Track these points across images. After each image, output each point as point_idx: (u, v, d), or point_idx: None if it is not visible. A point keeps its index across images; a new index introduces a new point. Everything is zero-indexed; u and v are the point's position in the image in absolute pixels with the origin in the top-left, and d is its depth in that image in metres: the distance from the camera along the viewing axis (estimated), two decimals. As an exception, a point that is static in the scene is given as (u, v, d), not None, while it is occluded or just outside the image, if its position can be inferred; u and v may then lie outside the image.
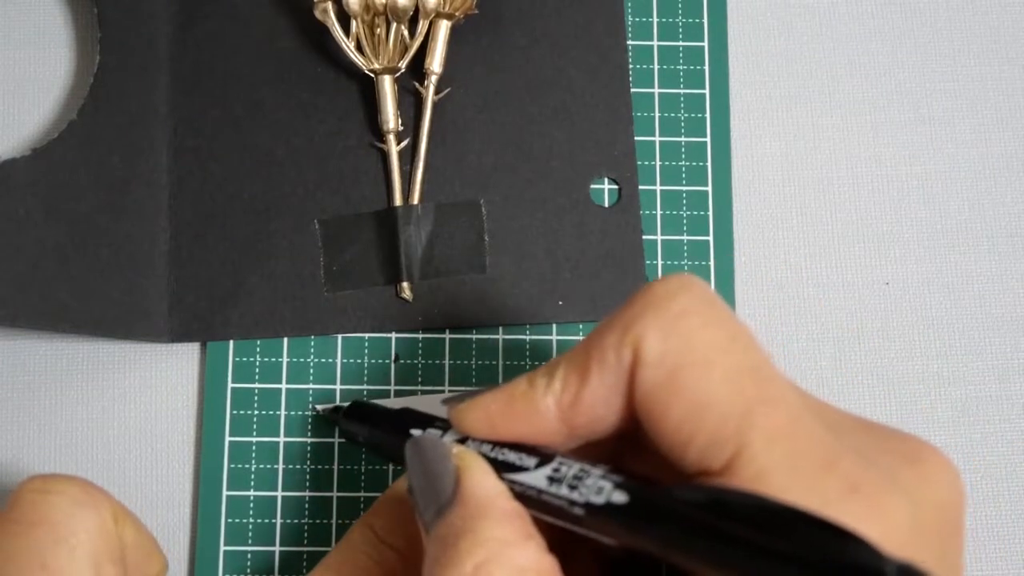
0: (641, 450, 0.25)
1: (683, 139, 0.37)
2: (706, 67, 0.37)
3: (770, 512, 0.19)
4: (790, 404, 0.22)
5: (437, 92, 0.36)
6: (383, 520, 0.30)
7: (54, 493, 0.26)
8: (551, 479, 0.23)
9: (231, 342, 0.35)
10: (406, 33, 0.35)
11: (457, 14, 0.35)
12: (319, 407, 0.34)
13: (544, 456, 0.24)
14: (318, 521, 0.34)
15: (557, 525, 0.23)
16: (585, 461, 0.23)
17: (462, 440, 0.26)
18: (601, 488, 0.22)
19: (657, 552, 0.21)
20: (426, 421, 0.28)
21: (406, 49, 0.35)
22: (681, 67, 0.37)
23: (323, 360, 0.35)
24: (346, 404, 0.33)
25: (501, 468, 0.24)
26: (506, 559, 0.22)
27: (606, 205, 0.36)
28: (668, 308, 0.23)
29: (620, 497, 0.21)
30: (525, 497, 0.24)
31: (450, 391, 0.35)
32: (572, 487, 0.22)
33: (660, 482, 0.22)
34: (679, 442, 0.22)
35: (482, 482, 0.24)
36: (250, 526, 0.34)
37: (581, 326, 0.35)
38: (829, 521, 0.19)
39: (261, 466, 0.34)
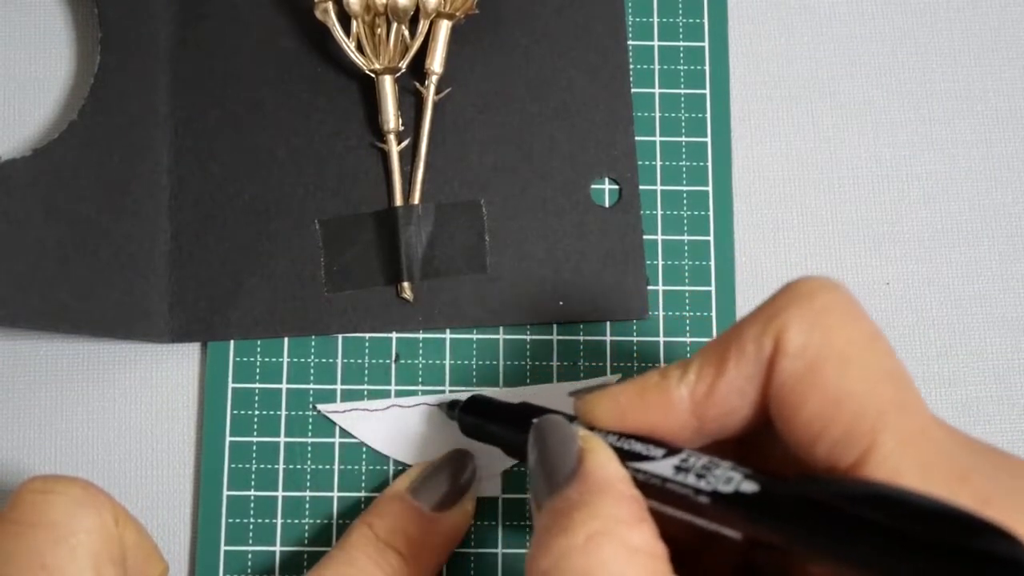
0: (764, 456, 0.25)
1: (683, 139, 0.37)
2: (706, 67, 0.37)
3: (917, 506, 0.19)
4: (923, 413, 0.22)
5: (438, 92, 0.36)
6: (382, 520, 0.30)
7: (55, 493, 0.26)
8: (678, 468, 0.23)
9: (231, 342, 0.35)
10: (406, 33, 0.35)
11: (458, 14, 0.35)
12: (435, 403, 0.34)
13: (671, 448, 0.24)
14: (318, 521, 0.34)
15: (676, 521, 0.23)
16: (713, 456, 0.23)
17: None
18: (730, 478, 0.22)
19: (782, 544, 0.21)
20: (545, 414, 0.28)
21: (407, 49, 0.35)
22: (682, 67, 0.37)
23: (324, 360, 0.35)
24: (463, 399, 0.33)
25: (626, 457, 0.24)
26: (618, 535, 0.22)
27: (607, 205, 0.36)
28: (811, 303, 0.23)
29: (750, 487, 0.22)
30: (648, 487, 0.24)
31: (450, 391, 0.35)
32: (700, 476, 0.23)
33: (788, 478, 0.22)
34: (810, 436, 0.23)
35: (605, 464, 0.24)
36: (251, 526, 0.34)
37: (581, 326, 0.35)
38: (988, 521, 0.19)
39: (262, 466, 0.34)
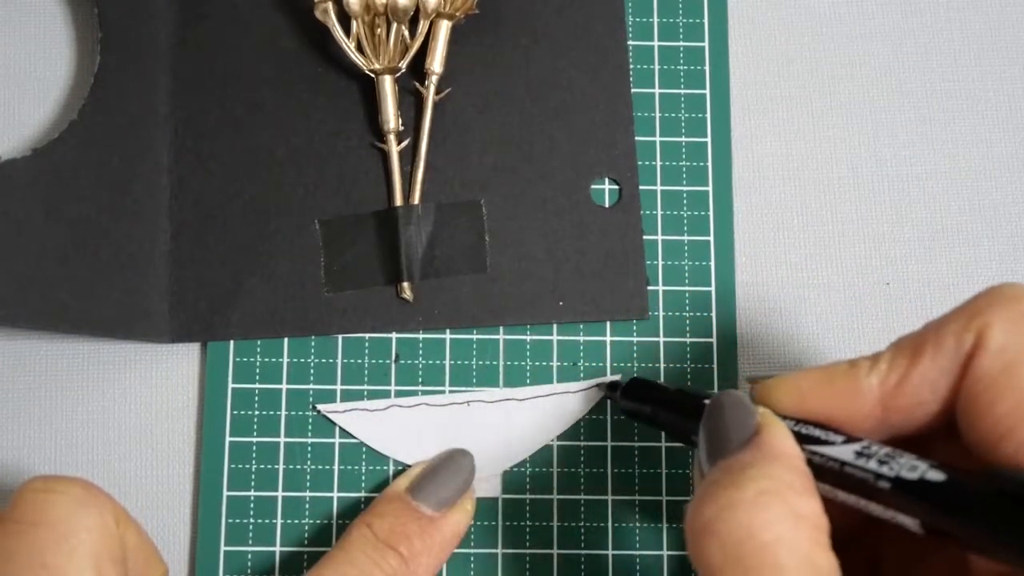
0: (938, 458, 0.25)
1: (684, 139, 0.37)
2: (707, 67, 0.37)
3: None
4: None
5: (438, 92, 0.36)
6: (382, 520, 0.30)
7: (56, 493, 0.26)
8: (859, 454, 0.23)
9: (231, 342, 0.35)
10: (406, 33, 0.35)
11: (458, 14, 0.35)
12: (598, 383, 0.34)
13: (851, 437, 0.24)
14: (318, 521, 0.34)
15: (838, 508, 0.24)
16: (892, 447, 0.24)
17: None
18: (915, 467, 0.22)
19: (964, 536, 0.21)
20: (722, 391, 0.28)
21: (407, 49, 0.35)
22: (682, 67, 0.37)
23: (324, 360, 0.35)
24: (624, 380, 0.33)
25: (804, 440, 0.24)
26: (788, 498, 0.22)
27: (606, 205, 0.36)
28: (1015, 307, 0.24)
29: (936, 475, 0.22)
30: (824, 470, 0.24)
31: (451, 391, 0.35)
32: (882, 463, 0.23)
33: (974, 472, 0.22)
34: (997, 434, 0.23)
35: (781, 438, 0.24)
36: (250, 526, 0.34)
37: (581, 326, 0.35)
38: None
39: (261, 466, 0.34)
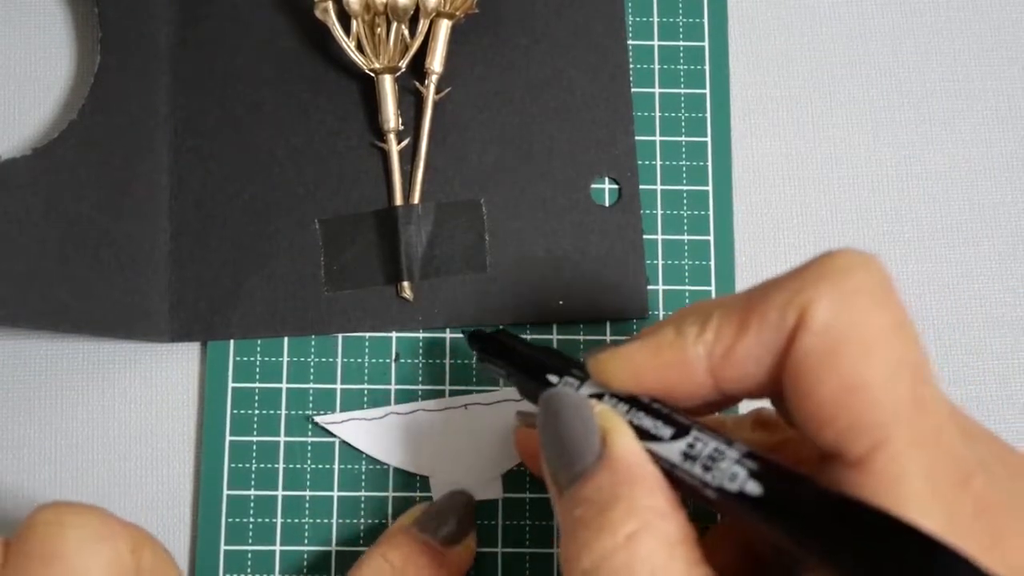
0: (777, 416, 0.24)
1: (684, 139, 0.37)
2: (706, 67, 0.37)
3: (892, 531, 0.19)
4: (939, 411, 0.22)
5: (438, 92, 0.36)
6: (397, 551, 0.30)
7: (69, 527, 0.25)
8: (685, 455, 0.23)
9: (231, 342, 0.35)
10: (406, 33, 0.35)
11: (458, 13, 0.35)
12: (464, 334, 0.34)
13: (679, 426, 0.24)
14: (318, 521, 0.34)
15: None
16: (720, 438, 0.23)
17: (599, 396, 0.25)
18: (735, 475, 0.22)
19: (786, 545, 0.21)
20: (564, 365, 0.27)
21: (406, 49, 0.35)
22: (682, 67, 0.37)
23: (323, 360, 0.35)
24: (487, 331, 0.32)
25: (638, 435, 0.24)
26: (658, 530, 0.22)
27: (606, 205, 0.36)
28: (843, 282, 0.22)
29: (754, 488, 0.21)
30: (658, 463, 0.24)
31: (450, 390, 0.35)
32: (706, 468, 0.22)
33: (792, 469, 0.22)
34: (821, 419, 0.22)
35: (630, 446, 0.24)
36: (250, 526, 0.34)
37: (581, 326, 0.35)
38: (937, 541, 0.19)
39: (261, 465, 0.34)
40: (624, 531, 0.22)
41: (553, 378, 0.27)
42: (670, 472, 0.23)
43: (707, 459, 0.22)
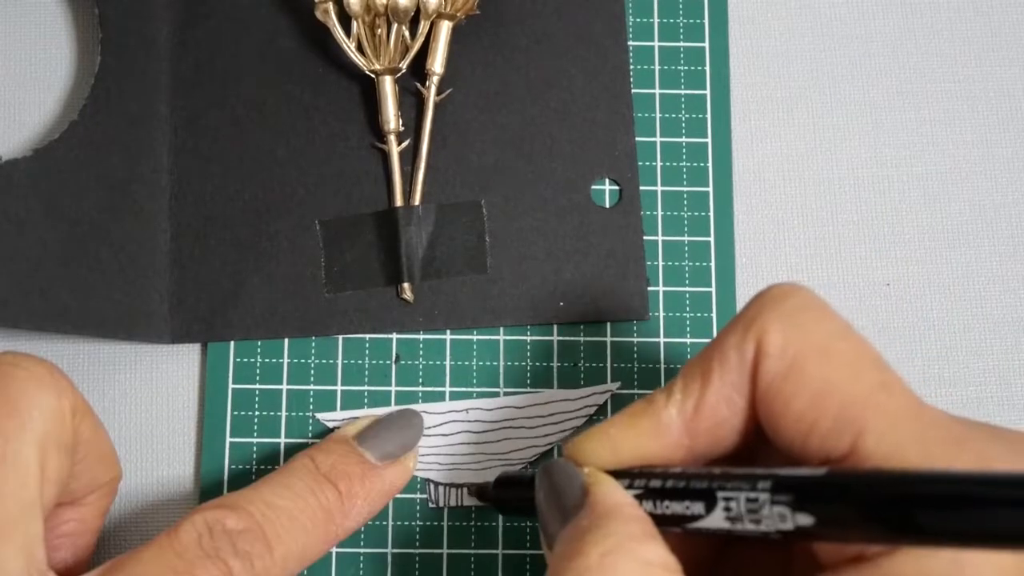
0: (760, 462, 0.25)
1: (684, 140, 0.37)
2: (707, 68, 0.37)
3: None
4: (908, 394, 0.23)
5: (438, 93, 0.36)
6: (326, 457, 0.30)
7: (20, 368, 0.26)
8: (730, 519, 0.23)
9: (232, 343, 0.35)
10: (407, 33, 0.35)
11: (458, 14, 0.35)
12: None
13: (704, 495, 0.23)
14: (319, 522, 0.34)
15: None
16: (741, 477, 0.23)
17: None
18: (783, 515, 0.22)
19: (874, 542, 0.21)
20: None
21: (407, 49, 0.35)
22: (682, 68, 0.37)
23: (324, 361, 0.35)
24: (491, 482, 0.32)
25: (671, 522, 0.24)
26: (631, 551, 0.22)
27: (607, 206, 0.36)
28: (785, 304, 0.24)
29: (806, 520, 0.21)
30: (706, 531, 0.24)
31: (450, 392, 0.35)
32: (755, 521, 0.22)
33: (818, 472, 0.22)
34: (801, 432, 0.23)
35: (611, 492, 0.24)
36: (251, 527, 0.34)
37: (582, 327, 0.35)
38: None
39: (262, 467, 0.34)
40: (598, 551, 0.22)
41: None
42: (730, 534, 0.23)
43: (749, 514, 0.22)
